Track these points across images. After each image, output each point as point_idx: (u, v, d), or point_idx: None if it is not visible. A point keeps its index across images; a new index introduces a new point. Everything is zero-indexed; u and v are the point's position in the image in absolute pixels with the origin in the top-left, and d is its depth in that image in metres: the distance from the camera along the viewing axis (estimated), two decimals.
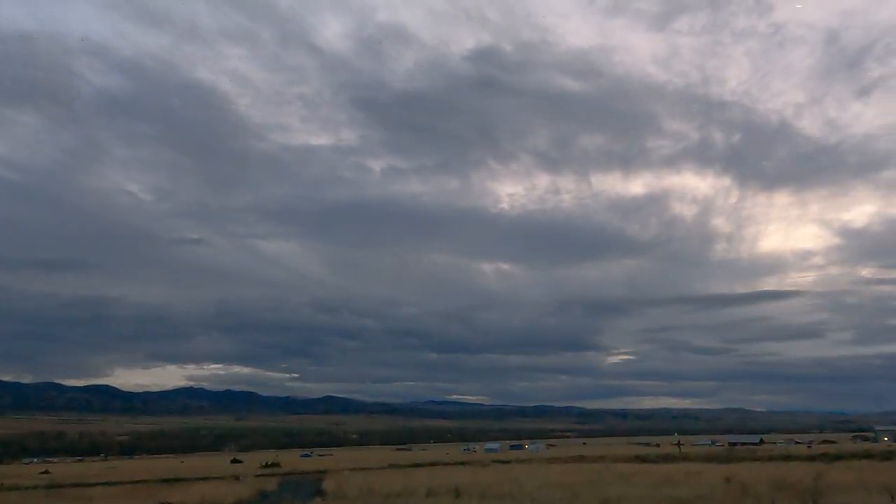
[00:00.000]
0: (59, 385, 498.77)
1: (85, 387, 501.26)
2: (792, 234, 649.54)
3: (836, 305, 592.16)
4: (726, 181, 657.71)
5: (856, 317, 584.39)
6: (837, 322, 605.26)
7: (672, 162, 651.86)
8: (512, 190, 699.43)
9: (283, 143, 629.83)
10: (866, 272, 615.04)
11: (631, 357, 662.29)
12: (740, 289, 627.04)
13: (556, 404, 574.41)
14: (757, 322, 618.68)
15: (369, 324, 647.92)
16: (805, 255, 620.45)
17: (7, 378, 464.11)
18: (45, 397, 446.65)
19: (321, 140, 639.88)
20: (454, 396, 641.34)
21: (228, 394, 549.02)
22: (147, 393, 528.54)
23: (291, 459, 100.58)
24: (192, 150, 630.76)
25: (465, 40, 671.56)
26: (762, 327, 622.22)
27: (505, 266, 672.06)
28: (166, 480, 50.08)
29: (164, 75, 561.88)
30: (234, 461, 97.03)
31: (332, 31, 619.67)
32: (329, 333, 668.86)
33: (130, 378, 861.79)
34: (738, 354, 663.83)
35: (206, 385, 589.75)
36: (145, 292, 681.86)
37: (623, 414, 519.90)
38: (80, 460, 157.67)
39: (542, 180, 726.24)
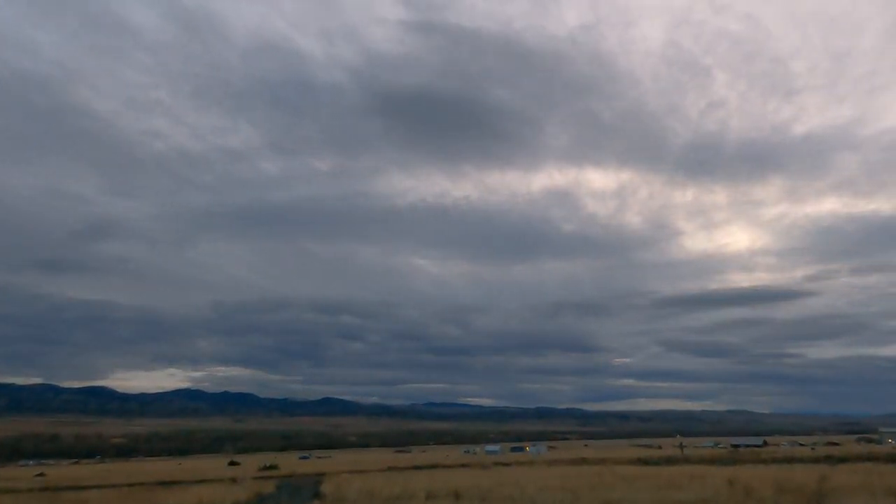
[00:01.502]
0: (55, 386, 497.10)
1: (81, 388, 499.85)
2: (762, 233, 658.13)
3: (838, 306, 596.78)
4: (681, 180, 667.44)
5: (859, 318, 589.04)
6: (840, 323, 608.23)
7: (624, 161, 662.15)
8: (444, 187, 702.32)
9: (173, 146, 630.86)
10: (864, 273, 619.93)
11: (633, 359, 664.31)
12: (731, 287, 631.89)
13: (558, 406, 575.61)
14: (761, 323, 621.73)
15: (368, 325, 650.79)
16: (784, 255, 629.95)
17: (2, 380, 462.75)
18: (41, 399, 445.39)
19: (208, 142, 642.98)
20: (458, 399, 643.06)
21: (226, 395, 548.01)
22: (144, 395, 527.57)
23: (290, 462, 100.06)
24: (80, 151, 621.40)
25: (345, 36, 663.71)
26: (766, 328, 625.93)
27: (469, 266, 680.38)
28: (163, 483, 49.62)
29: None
30: (232, 464, 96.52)
31: (150, 19, 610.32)
32: (328, 335, 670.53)
33: (127, 380, 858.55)
34: (742, 356, 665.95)
35: (203, 387, 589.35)
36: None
37: (625, 416, 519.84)
38: (75, 463, 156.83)
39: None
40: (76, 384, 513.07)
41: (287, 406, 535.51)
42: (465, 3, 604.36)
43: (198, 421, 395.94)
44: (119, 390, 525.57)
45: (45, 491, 44.64)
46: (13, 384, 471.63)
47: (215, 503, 30.14)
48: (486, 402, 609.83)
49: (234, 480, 46.65)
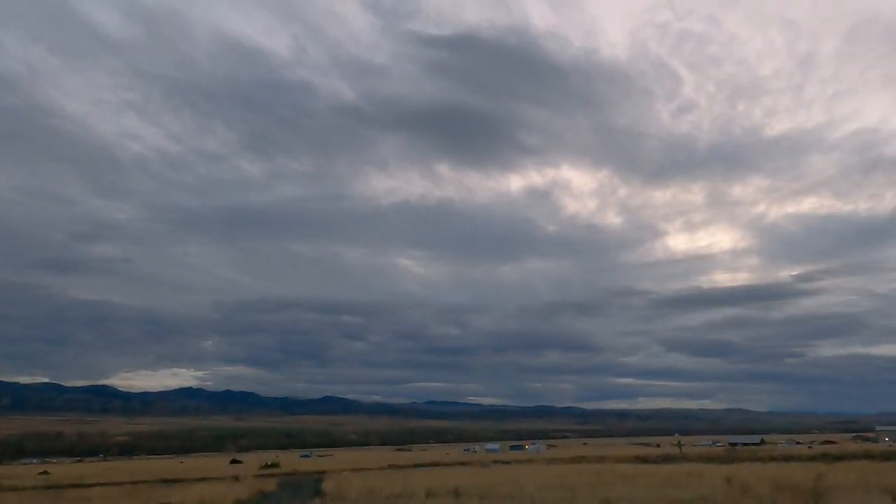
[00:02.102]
0: (58, 385, 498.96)
1: (84, 387, 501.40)
2: (744, 233, 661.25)
3: (833, 306, 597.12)
4: (659, 181, 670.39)
5: (854, 317, 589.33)
6: (836, 322, 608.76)
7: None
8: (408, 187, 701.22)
9: (151, 147, 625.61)
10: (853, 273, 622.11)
11: (631, 358, 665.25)
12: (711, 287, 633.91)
13: (558, 405, 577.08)
14: (758, 322, 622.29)
15: (368, 324, 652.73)
16: (770, 253, 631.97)
17: (6, 379, 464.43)
18: (45, 398, 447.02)
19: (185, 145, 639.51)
20: (458, 398, 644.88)
21: (228, 394, 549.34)
22: (146, 393, 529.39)
23: (291, 460, 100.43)
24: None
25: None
26: (762, 328, 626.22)
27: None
28: (165, 481, 49.95)
29: None
30: (234, 462, 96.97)
31: (113, 19, 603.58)
32: (329, 335, 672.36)
33: (130, 378, 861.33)
34: (739, 355, 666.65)
35: (205, 385, 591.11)
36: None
37: (624, 414, 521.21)
38: (78, 461, 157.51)
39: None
40: (80, 383, 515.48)
41: (288, 405, 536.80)
42: (431, 7, 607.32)
43: (200, 419, 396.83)
44: (122, 389, 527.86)
45: (49, 489, 44.94)
46: (17, 383, 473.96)
47: (217, 501, 30.33)
48: (487, 400, 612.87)
49: (235, 478, 46.93)
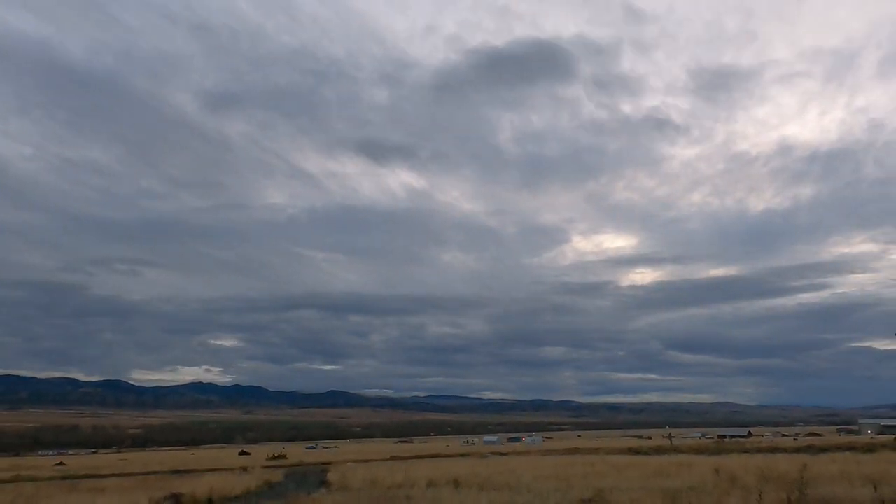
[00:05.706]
0: (74, 380, 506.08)
1: (99, 382, 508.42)
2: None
3: (819, 301, 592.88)
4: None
5: (835, 313, 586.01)
6: (818, 317, 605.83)
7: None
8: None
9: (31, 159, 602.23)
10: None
11: (624, 353, 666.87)
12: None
13: (553, 399, 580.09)
14: (746, 317, 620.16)
15: (373, 322, 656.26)
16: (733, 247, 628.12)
17: (24, 373, 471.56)
18: (61, 392, 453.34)
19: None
20: (458, 391, 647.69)
21: (237, 388, 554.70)
22: (158, 388, 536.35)
23: (297, 452, 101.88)
24: None
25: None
26: (751, 322, 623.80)
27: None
28: (177, 472, 51.26)
29: None
30: (242, 453, 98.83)
31: None
32: (334, 332, 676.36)
33: (142, 374, 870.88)
34: (731, 351, 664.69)
35: (214, 380, 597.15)
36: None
37: (617, 408, 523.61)
38: (93, 452, 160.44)
39: None
40: (95, 378, 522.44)
41: (294, 398, 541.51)
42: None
43: (210, 413, 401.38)
44: (134, 384, 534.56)
45: (65, 479, 46.33)
46: (34, 378, 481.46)
47: (227, 491, 31.26)
48: (486, 394, 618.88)
49: (244, 469, 48.10)
